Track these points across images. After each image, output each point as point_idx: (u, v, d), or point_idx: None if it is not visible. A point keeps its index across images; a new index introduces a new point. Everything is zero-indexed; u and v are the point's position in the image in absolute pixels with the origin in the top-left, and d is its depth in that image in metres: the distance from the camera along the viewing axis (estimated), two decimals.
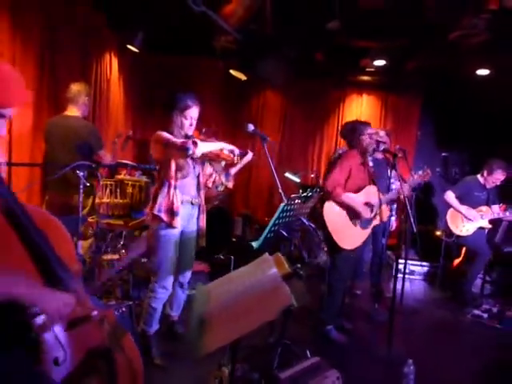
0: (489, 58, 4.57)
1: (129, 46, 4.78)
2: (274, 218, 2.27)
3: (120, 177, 3.39)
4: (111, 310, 1.58)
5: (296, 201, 2.40)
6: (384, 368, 2.75)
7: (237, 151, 2.62)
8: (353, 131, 3.35)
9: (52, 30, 3.78)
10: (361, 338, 3.38)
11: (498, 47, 4.14)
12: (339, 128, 6.29)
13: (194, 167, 2.64)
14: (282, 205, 2.27)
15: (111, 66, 5.07)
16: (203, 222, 2.74)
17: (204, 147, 2.45)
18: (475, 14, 3.53)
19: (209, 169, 2.79)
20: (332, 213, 3.06)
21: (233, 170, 2.81)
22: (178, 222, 2.52)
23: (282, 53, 4.74)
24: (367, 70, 5.59)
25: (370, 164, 3.67)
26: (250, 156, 2.73)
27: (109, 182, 3.30)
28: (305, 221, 2.50)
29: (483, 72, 4.87)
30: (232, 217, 5.03)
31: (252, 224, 4.90)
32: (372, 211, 3.22)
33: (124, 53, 5.14)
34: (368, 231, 3.26)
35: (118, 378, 1.34)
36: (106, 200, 3.26)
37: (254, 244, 2.34)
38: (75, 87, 3.32)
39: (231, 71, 5.19)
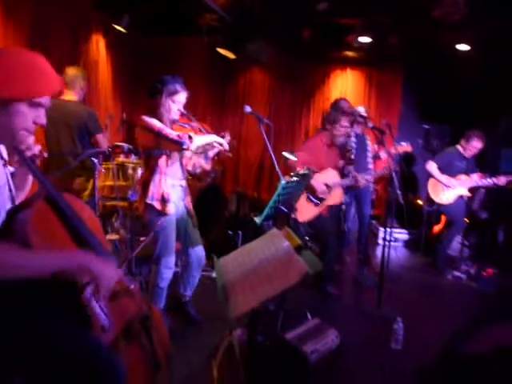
0: (468, 33, 4.73)
1: (115, 26, 4.76)
2: (274, 195, 2.44)
3: (120, 159, 3.48)
4: (137, 284, 1.75)
5: (294, 178, 2.57)
6: (375, 325, 3.03)
7: (226, 145, 2.64)
8: (332, 116, 3.55)
9: (41, 13, 3.76)
10: (352, 299, 3.67)
11: (478, 23, 4.30)
12: (325, 104, 6.44)
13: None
14: (283, 182, 2.42)
15: (98, 46, 5.04)
16: (189, 204, 2.79)
17: (198, 141, 2.50)
18: None
19: (188, 152, 2.88)
20: None
21: (211, 153, 2.91)
22: (171, 208, 2.58)
23: (269, 31, 4.78)
24: (351, 45, 5.68)
25: (353, 139, 3.91)
26: (227, 139, 2.83)
27: (111, 166, 3.39)
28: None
29: (463, 47, 5.04)
30: (225, 194, 5.19)
31: (246, 200, 5.08)
32: (328, 192, 3.48)
33: (111, 33, 5.10)
34: (318, 209, 3.49)
35: (155, 347, 1.52)
36: (109, 183, 3.36)
37: (257, 220, 2.51)
38: (71, 72, 3.29)
39: (220, 50, 5.21)
